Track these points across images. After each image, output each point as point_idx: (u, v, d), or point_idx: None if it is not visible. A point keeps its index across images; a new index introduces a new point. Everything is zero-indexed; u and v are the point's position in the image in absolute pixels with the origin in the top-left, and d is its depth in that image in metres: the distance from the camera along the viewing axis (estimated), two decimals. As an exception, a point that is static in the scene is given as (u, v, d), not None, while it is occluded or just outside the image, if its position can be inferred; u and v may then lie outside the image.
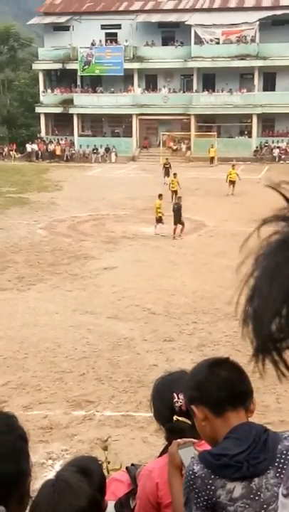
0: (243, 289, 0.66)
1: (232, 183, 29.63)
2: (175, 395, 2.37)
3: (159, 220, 21.53)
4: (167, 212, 21.32)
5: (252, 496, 1.81)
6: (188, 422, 2.27)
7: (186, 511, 1.90)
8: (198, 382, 2.04)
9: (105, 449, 4.90)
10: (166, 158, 36.55)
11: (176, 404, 2.36)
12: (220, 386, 1.98)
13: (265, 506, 1.80)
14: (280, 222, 0.70)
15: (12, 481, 1.28)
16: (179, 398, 2.36)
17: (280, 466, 1.82)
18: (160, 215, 21.49)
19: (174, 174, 27.66)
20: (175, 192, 25.25)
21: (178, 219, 21.17)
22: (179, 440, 2.24)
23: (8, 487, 1.25)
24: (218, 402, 1.97)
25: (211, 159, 42.60)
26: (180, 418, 2.33)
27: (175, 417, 2.36)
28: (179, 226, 21.21)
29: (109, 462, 4.32)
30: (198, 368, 2.12)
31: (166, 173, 32.64)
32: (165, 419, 2.43)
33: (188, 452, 2.15)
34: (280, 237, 0.67)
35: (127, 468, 2.98)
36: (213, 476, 1.83)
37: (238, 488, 1.81)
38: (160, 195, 22.67)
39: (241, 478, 1.82)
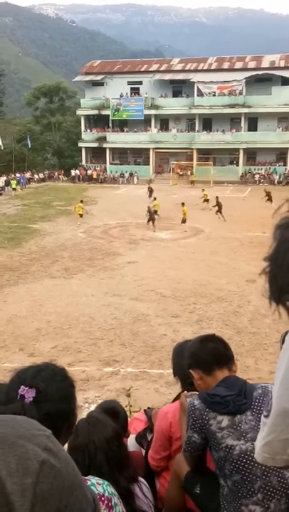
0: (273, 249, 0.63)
1: (206, 201, 29.50)
2: None
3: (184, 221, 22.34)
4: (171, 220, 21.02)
5: (234, 427, 1.87)
6: None
7: (186, 434, 1.98)
8: (193, 352, 2.10)
9: (128, 396, 4.92)
10: (149, 181, 35.12)
11: None
12: (208, 354, 2.05)
13: (244, 434, 1.85)
14: None
15: (65, 416, 1.31)
16: None
17: (255, 407, 1.88)
18: (186, 217, 22.37)
19: (154, 198, 26.18)
20: (156, 212, 24.12)
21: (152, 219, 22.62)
22: (185, 392, 2.27)
23: (62, 420, 1.28)
24: (208, 365, 2.04)
25: (192, 182, 42.12)
26: None
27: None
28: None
29: (131, 406, 4.34)
30: (192, 343, 2.18)
31: (150, 195, 31.92)
32: (185, 375, 2.43)
33: None
34: None
35: (144, 410, 3.00)
36: (207, 410, 1.92)
37: (225, 420, 1.89)
38: (183, 203, 23.29)
39: (227, 413, 1.89)
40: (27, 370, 1.35)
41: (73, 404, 1.38)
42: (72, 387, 1.39)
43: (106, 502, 1.54)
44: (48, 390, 1.29)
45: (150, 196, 32.06)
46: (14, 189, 39.12)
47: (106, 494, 1.56)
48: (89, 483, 1.55)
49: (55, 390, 1.32)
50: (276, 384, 0.92)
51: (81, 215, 25.03)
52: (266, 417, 0.98)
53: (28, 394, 1.27)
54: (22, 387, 1.28)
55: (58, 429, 1.25)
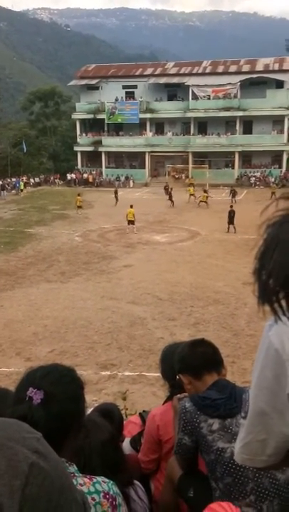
0: (260, 245, 0.61)
1: (204, 202, 30.89)
2: None
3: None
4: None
5: (225, 430, 1.89)
6: None
7: (176, 436, 1.98)
8: (182, 357, 2.13)
9: (124, 399, 4.92)
10: (116, 191, 33.90)
11: None
12: (197, 358, 2.07)
13: (235, 437, 1.87)
14: None
15: (73, 417, 1.33)
16: None
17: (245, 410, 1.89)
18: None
19: (131, 206, 23.96)
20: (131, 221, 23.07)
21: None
22: (178, 395, 2.27)
23: (70, 421, 1.31)
24: (197, 370, 2.06)
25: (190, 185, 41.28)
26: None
27: (178, 376, 2.38)
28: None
29: (127, 409, 4.34)
30: (182, 347, 2.19)
31: (116, 199, 32.02)
32: (170, 378, 2.45)
33: None
34: None
35: (140, 413, 3.00)
36: (198, 412, 1.94)
37: (215, 424, 1.91)
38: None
39: (218, 416, 1.91)
40: (36, 372, 1.36)
41: (81, 405, 1.39)
42: (80, 389, 1.40)
43: (110, 500, 1.54)
44: (56, 393, 1.30)
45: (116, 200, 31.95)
46: (22, 190, 40.77)
47: (111, 492, 1.56)
48: (94, 480, 1.55)
49: (62, 392, 1.32)
50: (252, 384, 0.93)
51: (80, 207, 29.02)
52: (244, 418, 0.99)
53: (36, 396, 1.28)
54: (30, 388, 1.29)
55: (66, 431, 1.28)
